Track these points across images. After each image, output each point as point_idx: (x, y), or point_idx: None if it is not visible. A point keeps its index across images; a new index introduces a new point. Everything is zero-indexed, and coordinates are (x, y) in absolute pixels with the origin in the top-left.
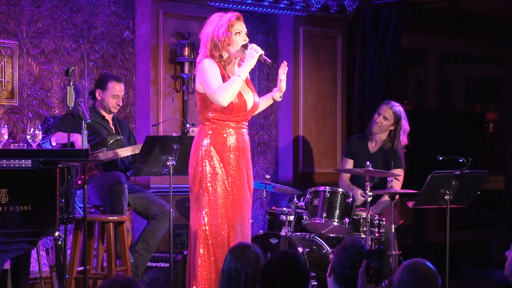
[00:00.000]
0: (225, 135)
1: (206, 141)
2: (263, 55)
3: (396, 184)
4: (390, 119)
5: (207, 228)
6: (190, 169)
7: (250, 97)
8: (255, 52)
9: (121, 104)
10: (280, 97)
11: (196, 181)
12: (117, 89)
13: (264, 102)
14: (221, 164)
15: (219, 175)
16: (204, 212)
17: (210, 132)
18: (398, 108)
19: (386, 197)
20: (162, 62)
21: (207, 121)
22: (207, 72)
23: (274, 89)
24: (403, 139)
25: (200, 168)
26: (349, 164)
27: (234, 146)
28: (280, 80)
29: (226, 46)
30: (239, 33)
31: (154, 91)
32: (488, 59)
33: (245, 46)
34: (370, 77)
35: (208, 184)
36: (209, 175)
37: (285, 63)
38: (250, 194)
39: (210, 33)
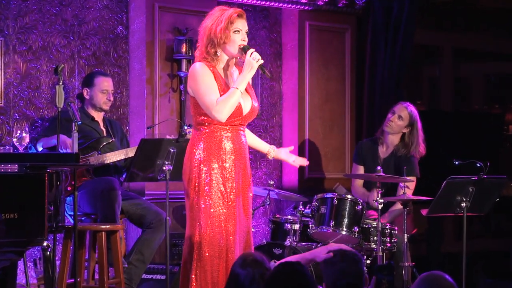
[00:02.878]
0: (220, 138)
1: (200, 146)
2: (264, 66)
3: (407, 193)
4: (405, 119)
5: (202, 238)
6: (184, 176)
7: (248, 102)
8: (255, 61)
9: (111, 99)
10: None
11: (191, 188)
12: (105, 84)
13: (256, 144)
14: (217, 170)
15: (214, 181)
16: (199, 221)
17: (204, 135)
18: (414, 110)
19: (399, 205)
20: (158, 60)
21: (200, 125)
22: (200, 81)
23: (274, 148)
24: (422, 148)
25: (194, 175)
26: (360, 171)
27: (231, 149)
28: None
29: (223, 44)
30: (238, 31)
31: (149, 91)
32: (507, 56)
33: (243, 49)
34: (381, 75)
35: (204, 192)
36: (204, 182)
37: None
38: (250, 200)
39: (208, 27)
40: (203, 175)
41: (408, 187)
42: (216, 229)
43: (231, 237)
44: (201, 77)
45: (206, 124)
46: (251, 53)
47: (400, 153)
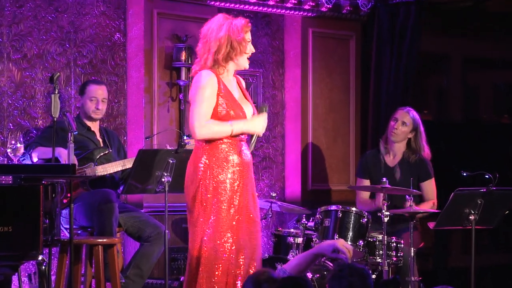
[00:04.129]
0: (225, 150)
1: (204, 157)
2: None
3: (431, 194)
4: (409, 125)
5: (209, 253)
6: (187, 189)
7: (249, 110)
8: (259, 133)
9: (100, 108)
10: None
11: (196, 202)
12: (94, 91)
13: None
14: (224, 182)
15: (222, 194)
16: (206, 236)
17: (208, 147)
18: (416, 114)
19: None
20: (157, 68)
21: None
22: (202, 90)
23: None
24: (427, 150)
25: (201, 188)
26: (365, 184)
27: (237, 161)
28: None
29: (239, 54)
30: (249, 42)
31: (147, 100)
32: None
33: (261, 109)
34: (387, 84)
35: (210, 205)
36: (210, 195)
37: None
38: (257, 213)
39: (224, 36)
40: (209, 188)
41: (433, 203)
42: (224, 244)
43: (240, 252)
44: (204, 86)
45: None
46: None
47: (412, 159)
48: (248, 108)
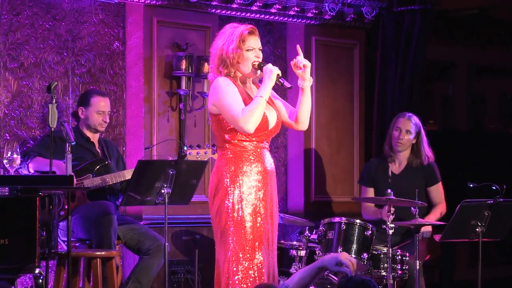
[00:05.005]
0: (250, 157)
1: (228, 166)
2: (281, 77)
3: (439, 198)
4: (413, 132)
5: (245, 264)
6: (212, 200)
7: (273, 115)
8: (271, 71)
9: (107, 120)
10: (309, 83)
11: (223, 213)
12: (101, 104)
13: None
14: (250, 190)
15: (250, 203)
16: (239, 245)
17: (232, 155)
18: (416, 118)
19: (428, 228)
20: (156, 77)
21: (226, 143)
22: (225, 93)
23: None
24: (429, 153)
25: (229, 200)
26: (369, 193)
27: (260, 169)
28: (300, 70)
29: (236, 64)
30: (251, 49)
31: (147, 110)
32: None
33: (259, 67)
34: (392, 93)
35: (237, 214)
36: (238, 205)
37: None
38: (276, 224)
39: (219, 47)
40: (236, 198)
41: (441, 212)
42: (258, 252)
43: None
44: (225, 89)
45: (232, 142)
46: (268, 66)
47: (416, 164)
48: (272, 113)
